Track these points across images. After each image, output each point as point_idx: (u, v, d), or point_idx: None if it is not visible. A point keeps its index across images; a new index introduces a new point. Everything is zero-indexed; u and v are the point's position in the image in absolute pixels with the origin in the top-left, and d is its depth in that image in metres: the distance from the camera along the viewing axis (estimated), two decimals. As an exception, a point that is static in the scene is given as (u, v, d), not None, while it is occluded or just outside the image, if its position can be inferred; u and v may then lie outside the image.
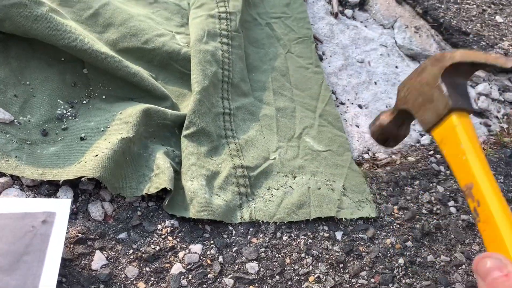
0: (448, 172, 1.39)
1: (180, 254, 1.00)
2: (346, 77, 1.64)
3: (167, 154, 1.14)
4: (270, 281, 1.02)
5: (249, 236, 1.08)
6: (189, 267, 0.99)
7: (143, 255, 0.98)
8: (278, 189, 1.19)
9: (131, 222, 1.02)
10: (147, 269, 0.96)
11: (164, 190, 1.05)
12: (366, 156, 1.42)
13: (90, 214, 1.00)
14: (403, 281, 1.10)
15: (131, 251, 0.98)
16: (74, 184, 1.02)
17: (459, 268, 1.16)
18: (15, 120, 1.08)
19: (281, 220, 1.12)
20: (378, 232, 1.18)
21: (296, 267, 1.06)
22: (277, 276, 1.03)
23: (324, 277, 1.06)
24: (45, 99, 1.14)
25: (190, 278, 0.97)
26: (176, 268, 0.98)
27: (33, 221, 0.89)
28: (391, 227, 1.20)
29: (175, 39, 1.41)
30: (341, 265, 1.09)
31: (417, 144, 1.49)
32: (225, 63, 1.39)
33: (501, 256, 0.61)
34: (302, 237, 1.12)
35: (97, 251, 0.95)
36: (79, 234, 0.96)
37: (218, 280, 0.99)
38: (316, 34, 1.74)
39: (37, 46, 1.17)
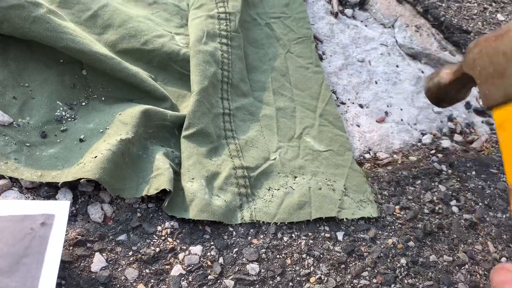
0: (450, 171, 1.38)
1: (180, 256, 1.00)
2: (346, 77, 1.63)
3: (166, 155, 1.14)
4: (271, 282, 1.01)
5: (249, 237, 1.07)
6: (189, 268, 0.98)
7: (143, 256, 0.97)
8: (278, 189, 1.19)
9: (131, 223, 1.01)
10: (147, 271, 0.96)
11: (163, 191, 1.04)
12: (367, 155, 1.41)
13: (89, 216, 0.99)
14: (406, 281, 1.09)
15: (130, 253, 0.97)
16: (73, 186, 1.02)
17: (462, 268, 1.15)
18: (14, 122, 1.07)
19: (281, 221, 1.11)
20: (380, 232, 1.17)
21: (297, 268, 1.05)
22: (278, 277, 1.02)
23: (326, 278, 1.05)
24: (44, 101, 1.13)
25: (190, 279, 0.97)
26: (176, 270, 0.97)
27: (32, 223, 0.88)
28: (393, 227, 1.20)
29: (175, 40, 1.41)
30: (343, 266, 1.08)
31: (419, 144, 1.48)
32: (224, 63, 1.38)
33: None
34: (303, 237, 1.11)
35: (97, 253, 0.95)
36: (78, 236, 0.96)
37: (219, 281, 0.98)
38: (316, 34, 1.73)
39: (35, 47, 1.17)
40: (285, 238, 1.10)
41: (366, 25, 1.86)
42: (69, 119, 1.14)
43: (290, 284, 1.02)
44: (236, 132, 1.29)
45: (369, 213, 1.20)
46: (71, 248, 0.94)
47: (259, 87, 1.46)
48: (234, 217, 1.09)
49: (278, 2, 1.78)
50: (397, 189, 1.29)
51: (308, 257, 1.07)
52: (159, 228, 1.02)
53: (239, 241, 1.06)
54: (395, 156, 1.42)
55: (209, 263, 1.00)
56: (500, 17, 1.98)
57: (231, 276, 1.00)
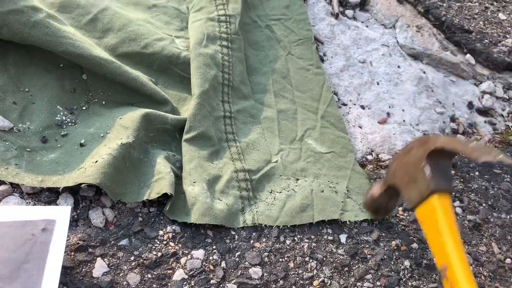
0: (453, 172, 1.37)
1: (182, 260, 0.99)
2: (348, 78, 1.62)
3: (167, 159, 1.13)
4: (274, 286, 1.01)
5: (252, 241, 1.07)
6: (191, 273, 0.98)
7: (144, 261, 0.97)
8: (280, 192, 1.18)
9: (132, 228, 1.01)
10: (149, 276, 0.95)
11: (165, 195, 1.04)
12: (369, 157, 1.40)
13: (91, 221, 0.99)
14: (409, 283, 1.08)
15: (132, 258, 0.96)
16: (74, 191, 1.01)
17: (466, 269, 1.14)
18: (14, 128, 1.07)
19: (284, 224, 1.11)
20: (383, 234, 1.16)
21: (300, 271, 1.04)
22: (281, 281, 1.02)
23: (329, 281, 1.04)
24: (44, 106, 1.13)
25: (192, 284, 0.96)
26: (178, 275, 0.97)
27: (33, 229, 0.88)
28: (396, 229, 1.19)
29: (175, 43, 1.40)
30: (346, 269, 1.07)
31: (421, 144, 1.47)
32: (225, 66, 1.38)
33: None
34: (306, 240, 1.10)
35: (98, 258, 0.94)
36: (80, 241, 0.95)
37: (221, 285, 0.98)
38: (316, 35, 1.73)
39: (35, 52, 1.17)
40: (287, 241, 1.09)
41: (367, 26, 1.85)
42: (69, 124, 1.14)
43: (293, 287, 1.01)
44: (237, 135, 1.29)
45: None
46: (72, 253, 0.93)
47: (260, 89, 1.45)
48: (236, 221, 1.09)
49: (279, 3, 1.78)
50: (400, 191, 1.28)
51: (311, 260, 1.07)
52: (160, 232, 1.02)
53: (241, 244, 1.05)
54: (397, 157, 1.41)
55: (211, 267, 1.00)
56: (501, 16, 1.97)
57: (234, 280, 0.99)
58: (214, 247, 1.03)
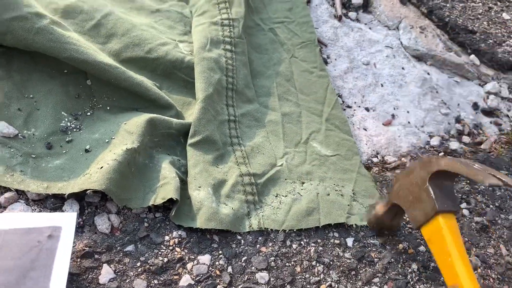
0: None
1: (189, 266, 0.99)
2: (352, 80, 1.62)
3: (173, 164, 1.13)
4: (281, 290, 1.00)
5: (258, 245, 1.06)
6: (198, 278, 0.97)
7: (151, 267, 0.96)
8: (286, 196, 1.18)
9: (138, 234, 1.00)
10: (156, 281, 0.95)
11: (170, 200, 1.04)
12: (375, 159, 1.40)
13: (96, 227, 0.99)
14: (417, 287, 1.07)
15: (138, 264, 0.96)
16: (80, 197, 1.01)
17: (475, 272, 1.13)
18: (19, 134, 1.07)
19: (290, 228, 1.10)
20: (390, 237, 1.16)
21: (307, 275, 1.04)
22: (288, 286, 1.01)
23: (336, 285, 1.03)
24: (49, 112, 1.13)
25: (199, 289, 0.96)
26: (185, 280, 0.96)
27: (38, 235, 0.88)
28: (403, 231, 1.18)
29: (178, 47, 1.40)
30: (353, 272, 1.07)
31: (427, 146, 1.47)
32: (229, 70, 1.38)
33: None
34: (312, 244, 1.09)
35: (105, 265, 0.94)
36: (86, 248, 0.95)
37: (228, 291, 0.97)
38: (320, 38, 1.72)
39: (39, 58, 1.17)
40: (294, 246, 1.08)
41: (370, 28, 1.85)
42: (74, 130, 1.14)
43: (300, 292, 1.01)
44: (242, 139, 1.28)
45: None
46: (78, 260, 0.93)
47: (264, 93, 1.45)
48: (242, 225, 1.08)
49: (281, 6, 1.78)
50: (406, 193, 1.27)
51: (318, 264, 1.06)
52: (166, 237, 1.01)
53: (247, 249, 1.05)
54: (403, 159, 1.40)
55: (217, 272, 0.99)
56: (505, 16, 1.96)
57: (241, 285, 0.98)
58: (220, 252, 1.03)
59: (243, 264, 1.02)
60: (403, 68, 1.70)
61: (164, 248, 1.00)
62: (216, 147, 1.21)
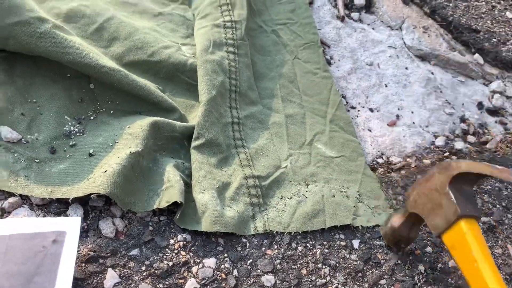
0: (465, 173, 1.35)
1: (194, 269, 0.98)
2: (355, 81, 1.61)
3: (177, 167, 1.12)
4: (287, 293, 0.99)
5: (263, 248, 1.06)
6: (203, 282, 0.96)
7: (156, 271, 0.96)
8: (291, 198, 1.17)
9: (143, 237, 1.00)
10: (161, 285, 0.94)
11: (175, 203, 1.03)
12: (380, 160, 1.39)
13: (101, 231, 0.98)
14: (425, 288, 1.06)
15: (143, 268, 0.96)
16: (84, 201, 1.01)
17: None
18: (22, 139, 1.07)
19: (295, 230, 1.09)
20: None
21: (313, 278, 1.03)
22: (294, 288, 1.00)
23: (343, 287, 1.03)
24: (52, 116, 1.13)
25: (204, 293, 0.95)
26: (190, 284, 0.95)
27: (43, 241, 0.87)
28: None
29: (181, 50, 1.40)
30: (360, 274, 1.06)
31: (432, 146, 1.46)
32: (232, 72, 1.37)
33: None
34: (318, 246, 1.09)
35: (109, 269, 0.93)
36: (90, 252, 0.94)
37: (234, 294, 0.96)
38: (323, 39, 1.72)
39: (41, 63, 1.17)
40: (299, 248, 1.07)
41: (373, 28, 1.84)
42: (77, 134, 1.13)
43: (307, 295, 1.00)
44: (246, 141, 1.28)
45: (385, 219, 1.17)
46: (83, 264, 0.93)
47: (268, 95, 1.44)
48: (247, 228, 1.08)
49: (284, 8, 1.77)
50: (412, 194, 1.26)
51: (324, 267, 1.05)
52: (171, 241, 1.01)
53: (253, 252, 1.04)
54: (408, 160, 1.39)
55: (223, 275, 0.98)
56: (509, 14, 1.95)
57: (246, 289, 0.98)
58: (225, 255, 1.02)
59: (249, 267, 1.02)
60: (406, 68, 1.70)
61: (169, 251, 0.99)
62: (220, 149, 1.20)
